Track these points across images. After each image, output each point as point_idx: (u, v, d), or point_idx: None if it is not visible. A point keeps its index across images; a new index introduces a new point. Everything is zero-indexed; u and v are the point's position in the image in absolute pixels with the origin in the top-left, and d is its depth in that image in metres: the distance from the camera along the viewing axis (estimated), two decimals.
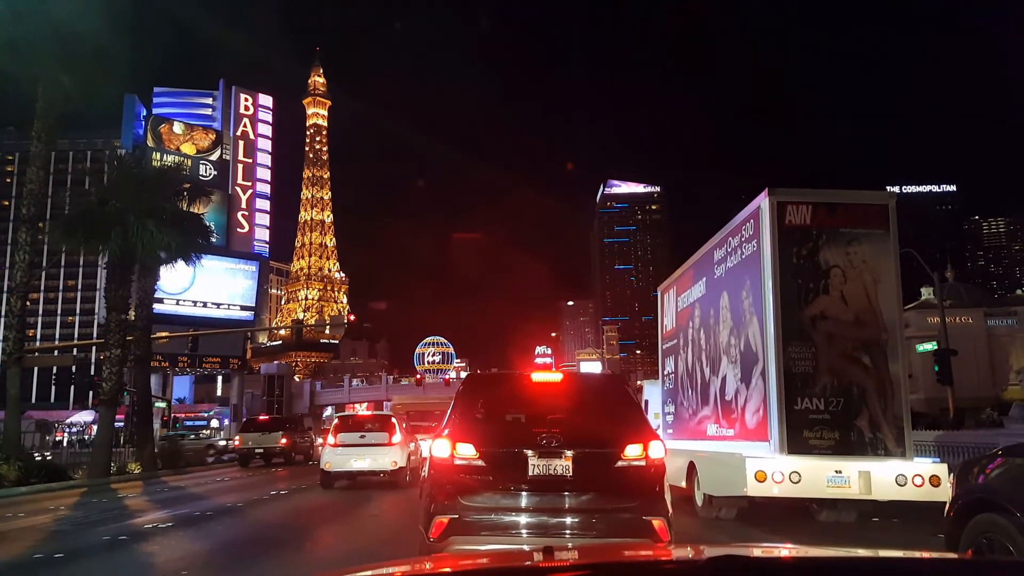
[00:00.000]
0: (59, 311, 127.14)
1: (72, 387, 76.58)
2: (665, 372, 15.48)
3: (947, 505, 4.82)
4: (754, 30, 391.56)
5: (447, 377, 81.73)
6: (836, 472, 8.73)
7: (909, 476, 8.63)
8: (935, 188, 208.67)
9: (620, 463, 5.76)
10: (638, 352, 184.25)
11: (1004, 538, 4.07)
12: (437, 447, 5.89)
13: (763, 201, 9.54)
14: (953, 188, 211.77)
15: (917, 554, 2.14)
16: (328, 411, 74.25)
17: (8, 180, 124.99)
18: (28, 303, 23.41)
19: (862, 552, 2.21)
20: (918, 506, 8.70)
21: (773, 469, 8.76)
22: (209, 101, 73.15)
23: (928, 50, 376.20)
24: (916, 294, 62.44)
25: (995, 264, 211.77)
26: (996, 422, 28.29)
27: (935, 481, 8.55)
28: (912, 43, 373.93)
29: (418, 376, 77.28)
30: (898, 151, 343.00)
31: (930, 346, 31.83)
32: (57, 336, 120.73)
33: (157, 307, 33.91)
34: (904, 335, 9.65)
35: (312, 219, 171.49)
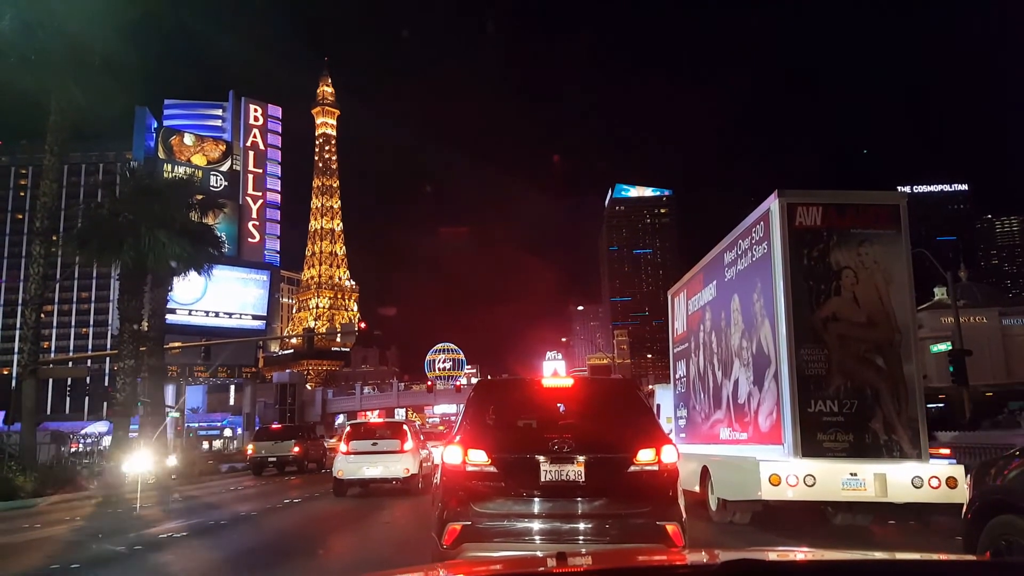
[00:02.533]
0: (73, 323, 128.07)
1: (86, 398, 77.06)
2: (676, 376, 15.42)
3: (964, 507, 4.77)
4: (764, 32, 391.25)
5: (458, 383, 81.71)
6: (851, 475, 8.66)
7: (925, 478, 8.54)
8: (947, 187, 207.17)
9: (633, 468, 5.73)
10: (649, 356, 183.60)
11: (1023, 540, 4.02)
12: (449, 454, 5.88)
13: (773, 203, 9.50)
14: (965, 187, 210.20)
15: (935, 557, 2.12)
16: (340, 419, 74.41)
17: (22, 193, 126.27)
18: (42, 315, 23.63)
19: (879, 555, 2.19)
20: (935, 508, 8.62)
21: (787, 472, 8.70)
22: (219, 112, 73.70)
23: (940, 49, 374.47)
24: (929, 294, 61.99)
25: (1009, 263, 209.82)
26: (1015, 422, 28.01)
27: (952, 483, 8.46)
28: (923, 42, 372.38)
29: (429, 383, 77.34)
30: (909, 150, 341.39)
31: (944, 347, 31.57)
32: (71, 348, 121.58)
33: (169, 317, 34.14)
34: (918, 336, 9.57)
35: (322, 228, 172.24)
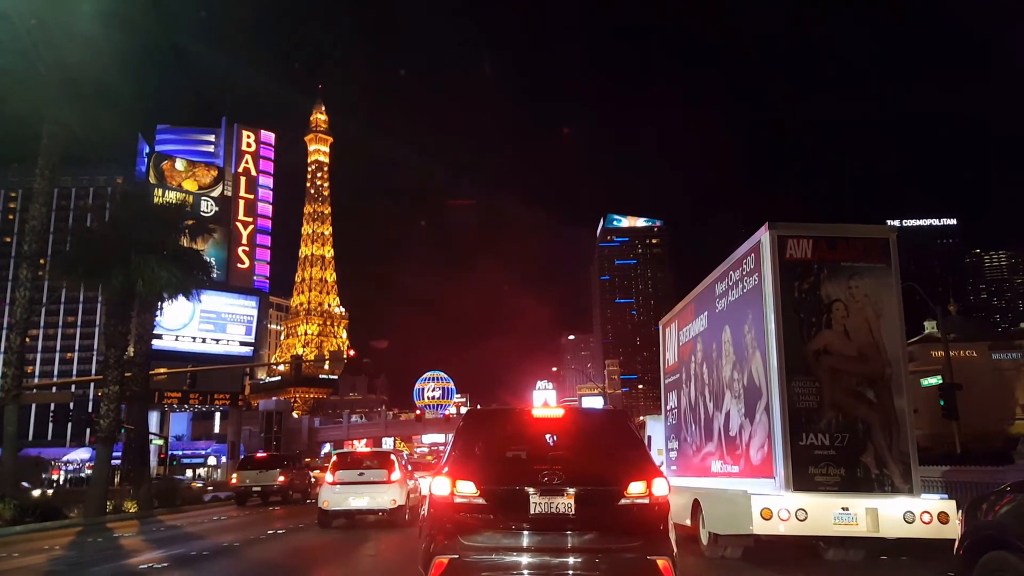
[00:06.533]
0: (58, 347, 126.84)
1: (69, 424, 76.11)
2: (668, 407, 15.34)
3: (956, 543, 4.73)
4: (756, 65, 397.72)
5: (447, 413, 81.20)
6: (843, 509, 8.60)
7: (917, 513, 8.49)
8: (935, 222, 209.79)
9: (623, 501, 5.65)
10: (640, 387, 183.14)
11: None
12: (437, 485, 5.79)
13: (764, 235, 9.54)
14: (954, 221, 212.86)
15: None
16: (326, 448, 73.57)
17: (11, 216, 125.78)
18: (27, 339, 23.33)
19: None
20: (927, 544, 8.55)
21: (779, 506, 8.62)
22: (211, 138, 73.98)
23: (929, 84, 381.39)
24: (919, 328, 62.38)
25: (997, 297, 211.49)
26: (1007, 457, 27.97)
27: (943, 518, 8.42)
28: (913, 78, 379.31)
29: (417, 412, 76.69)
30: (898, 185, 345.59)
31: (935, 380, 31.65)
32: (56, 373, 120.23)
33: (156, 343, 33.87)
34: (908, 369, 9.57)
35: (312, 254, 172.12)
